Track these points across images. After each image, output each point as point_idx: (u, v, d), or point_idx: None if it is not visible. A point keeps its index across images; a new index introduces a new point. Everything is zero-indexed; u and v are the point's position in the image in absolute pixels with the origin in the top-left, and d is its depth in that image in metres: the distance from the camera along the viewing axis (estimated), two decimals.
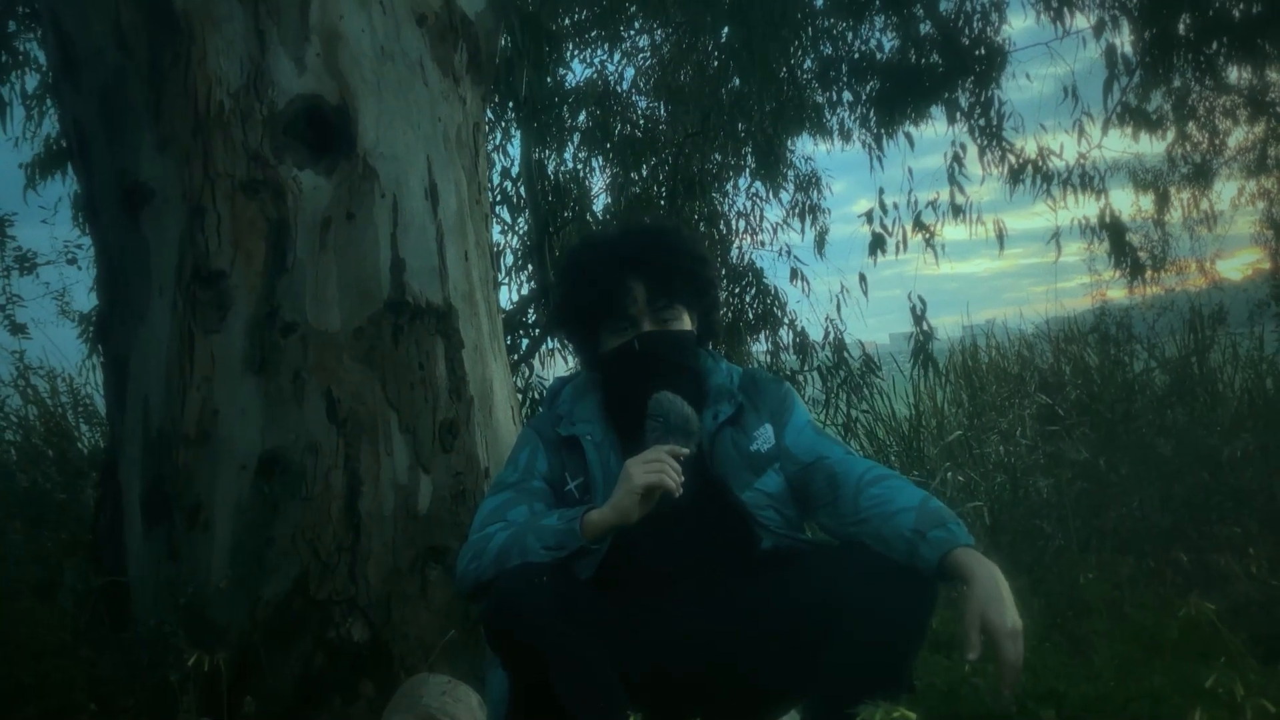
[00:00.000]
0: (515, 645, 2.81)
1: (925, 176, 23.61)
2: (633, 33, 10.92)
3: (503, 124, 9.62)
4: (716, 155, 10.47)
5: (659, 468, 2.83)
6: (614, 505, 2.86)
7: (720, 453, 3.14)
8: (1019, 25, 22.68)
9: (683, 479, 2.85)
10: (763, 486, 3.11)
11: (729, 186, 10.91)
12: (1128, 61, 11.05)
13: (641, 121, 10.84)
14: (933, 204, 10.58)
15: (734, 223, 10.83)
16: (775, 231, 10.87)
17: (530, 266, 9.72)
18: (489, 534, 2.98)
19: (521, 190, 9.62)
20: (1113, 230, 11.28)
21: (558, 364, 9.57)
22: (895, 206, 10.42)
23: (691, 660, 2.92)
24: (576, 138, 10.44)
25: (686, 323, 3.24)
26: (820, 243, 10.81)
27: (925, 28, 11.01)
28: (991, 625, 2.70)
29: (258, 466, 3.99)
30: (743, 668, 2.92)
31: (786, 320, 10.10)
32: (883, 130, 10.92)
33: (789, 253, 10.57)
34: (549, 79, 9.12)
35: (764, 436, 3.19)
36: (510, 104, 9.02)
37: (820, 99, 10.89)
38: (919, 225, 10.49)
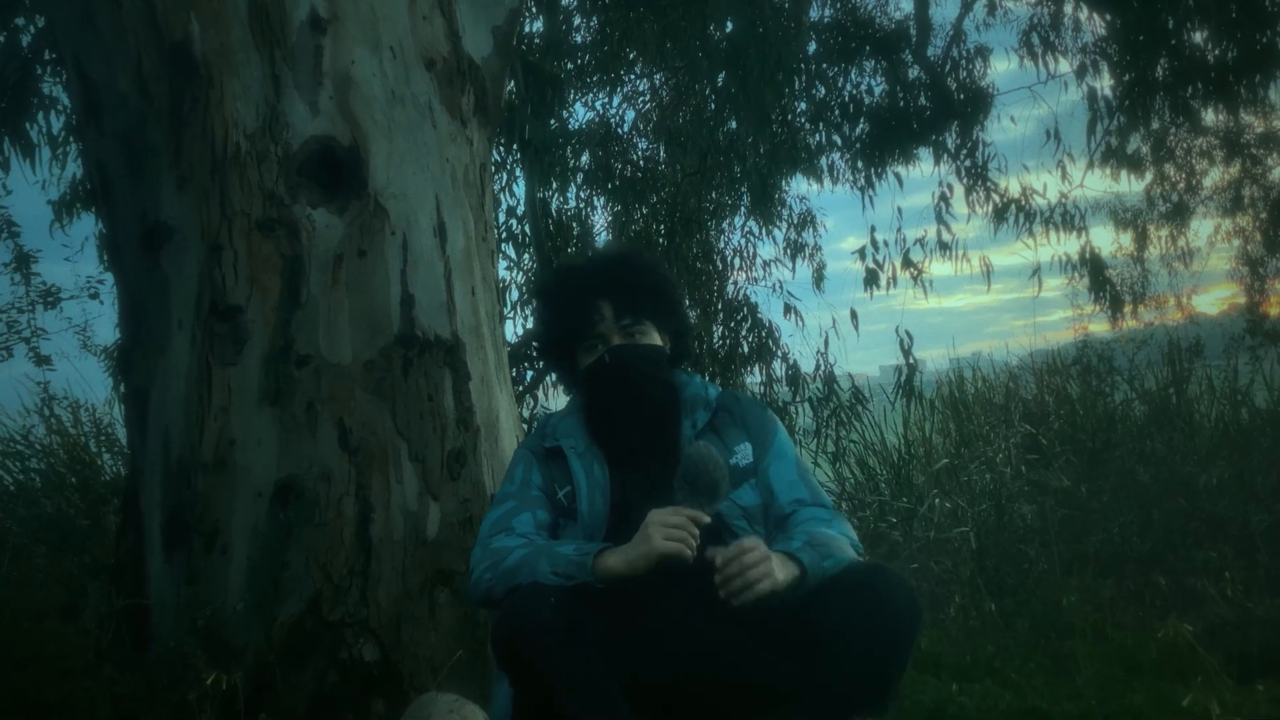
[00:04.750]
0: (522, 662, 2.82)
1: (913, 215, 23.68)
2: (633, 77, 10.96)
3: (508, 164, 9.64)
4: (713, 194, 10.49)
5: (680, 536, 2.83)
6: (629, 560, 2.87)
7: None
8: (1002, 68, 22.83)
9: (698, 543, 2.86)
10: (738, 499, 3.15)
11: (725, 224, 10.93)
12: (1109, 104, 11.11)
13: (641, 162, 10.87)
14: (921, 241, 10.64)
15: (730, 259, 10.85)
16: (767, 268, 10.90)
17: (534, 301, 9.72)
18: (508, 547, 3.01)
19: (526, 228, 9.64)
20: (1093, 265, 11.33)
21: (561, 395, 9.57)
22: (885, 244, 10.49)
23: (688, 673, 2.93)
24: (579, 177, 10.45)
25: (656, 340, 3.31)
26: (818, 278, 10.86)
27: (913, 72, 11.08)
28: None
29: (273, 494, 3.99)
30: (733, 681, 2.93)
31: (780, 353, 10.10)
32: (872, 170, 10.97)
33: (781, 288, 10.59)
34: (552, 121, 9.14)
35: (743, 452, 3.24)
36: (516, 145, 9.03)
37: (813, 141, 10.93)
38: (908, 262, 10.53)
